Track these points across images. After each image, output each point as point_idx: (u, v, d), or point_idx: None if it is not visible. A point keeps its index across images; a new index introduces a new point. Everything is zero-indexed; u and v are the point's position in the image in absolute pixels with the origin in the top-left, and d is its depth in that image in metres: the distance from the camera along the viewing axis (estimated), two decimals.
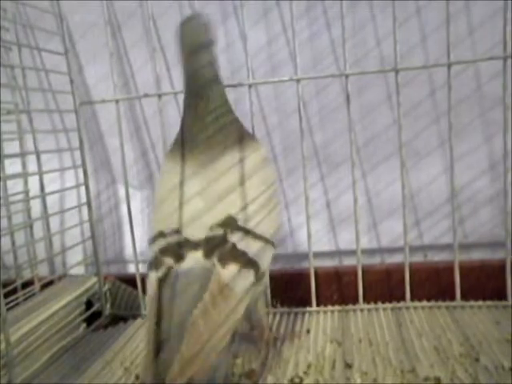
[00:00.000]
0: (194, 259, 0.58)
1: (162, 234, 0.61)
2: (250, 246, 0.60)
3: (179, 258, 0.58)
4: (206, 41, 0.67)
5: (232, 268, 0.57)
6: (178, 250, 0.59)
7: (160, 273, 0.58)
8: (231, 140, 0.64)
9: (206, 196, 0.61)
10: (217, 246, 0.58)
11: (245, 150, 0.65)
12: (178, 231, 0.60)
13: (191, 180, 0.62)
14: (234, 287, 0.56)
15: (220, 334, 0.53)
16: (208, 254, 0.58)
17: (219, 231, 0.59)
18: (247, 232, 0.60)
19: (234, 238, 0.59)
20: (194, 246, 0.58)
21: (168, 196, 0.63)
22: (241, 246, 0.59)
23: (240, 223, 0.60)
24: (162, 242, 0.60)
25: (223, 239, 0.59)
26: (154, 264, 0.59)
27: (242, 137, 0.66)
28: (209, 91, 0.65)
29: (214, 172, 0.62)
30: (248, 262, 0.59)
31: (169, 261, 0.58)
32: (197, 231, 0.59)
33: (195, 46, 0.66)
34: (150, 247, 0.62)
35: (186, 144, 0.65)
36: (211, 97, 0.65)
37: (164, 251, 0.59)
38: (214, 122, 0.64)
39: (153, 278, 0.58)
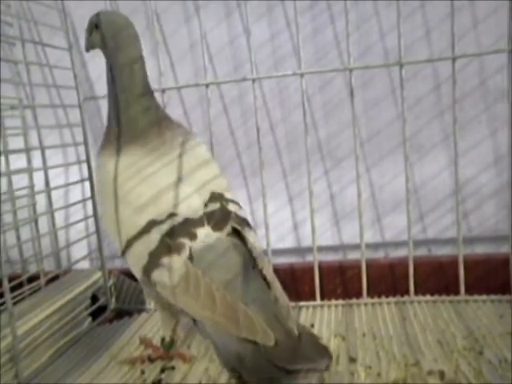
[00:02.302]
0: (206, 234, 0.59)
1: (154, 222, 0.60)
2: (244, 214, 0.64)
3: (193, 236, 0.58)
4: (141, 52, 0.67)
5: (252, 233, 0.62)
6: (188, 229, 0.59)
7: (186, 253, 0.57)
8: (178, 131, 0.68)
9: (177, 178, 0.62)
10: (224, 218, 0.60)
11: (191, 137, 0.69)
12: (172, 214, 0.60)
13: (156, 168, 0.63)
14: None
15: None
16: (218, 227, 0.60)
17: (215, 205, 0.61)
18: (234, 202, 0.64)
19: (231, 208, 0.62)
20: (199, 223, 0.59)
21: (139, 188, 0.62)
22: (240, 213, 0.63)
23: (226, 196, 0.63)
24: (163, 227, 0.59)
25: (226, 210, 0.61)
26: (166, 249, 0.58)
27: (183, 128, 0.70)
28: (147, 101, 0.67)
29: (173, 159, 0.64)
30: (252, 227, 0.63)
31: (185, 241, 0.58)
32: (191, 210, 0.60)
33: (136, 57, 0.66)
34: (144, 237, 0.60)
35: (135, 138, 0.65)
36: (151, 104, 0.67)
37: (173, 234, 0.59)
38: (155, 120, 0.66)
39: (177, 261, 0.57)
